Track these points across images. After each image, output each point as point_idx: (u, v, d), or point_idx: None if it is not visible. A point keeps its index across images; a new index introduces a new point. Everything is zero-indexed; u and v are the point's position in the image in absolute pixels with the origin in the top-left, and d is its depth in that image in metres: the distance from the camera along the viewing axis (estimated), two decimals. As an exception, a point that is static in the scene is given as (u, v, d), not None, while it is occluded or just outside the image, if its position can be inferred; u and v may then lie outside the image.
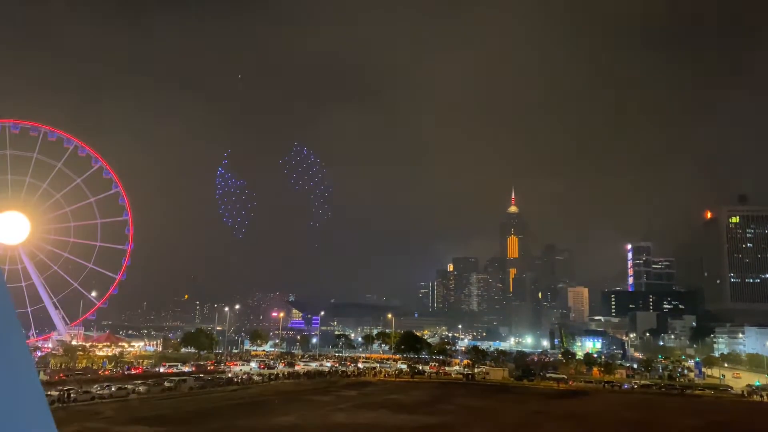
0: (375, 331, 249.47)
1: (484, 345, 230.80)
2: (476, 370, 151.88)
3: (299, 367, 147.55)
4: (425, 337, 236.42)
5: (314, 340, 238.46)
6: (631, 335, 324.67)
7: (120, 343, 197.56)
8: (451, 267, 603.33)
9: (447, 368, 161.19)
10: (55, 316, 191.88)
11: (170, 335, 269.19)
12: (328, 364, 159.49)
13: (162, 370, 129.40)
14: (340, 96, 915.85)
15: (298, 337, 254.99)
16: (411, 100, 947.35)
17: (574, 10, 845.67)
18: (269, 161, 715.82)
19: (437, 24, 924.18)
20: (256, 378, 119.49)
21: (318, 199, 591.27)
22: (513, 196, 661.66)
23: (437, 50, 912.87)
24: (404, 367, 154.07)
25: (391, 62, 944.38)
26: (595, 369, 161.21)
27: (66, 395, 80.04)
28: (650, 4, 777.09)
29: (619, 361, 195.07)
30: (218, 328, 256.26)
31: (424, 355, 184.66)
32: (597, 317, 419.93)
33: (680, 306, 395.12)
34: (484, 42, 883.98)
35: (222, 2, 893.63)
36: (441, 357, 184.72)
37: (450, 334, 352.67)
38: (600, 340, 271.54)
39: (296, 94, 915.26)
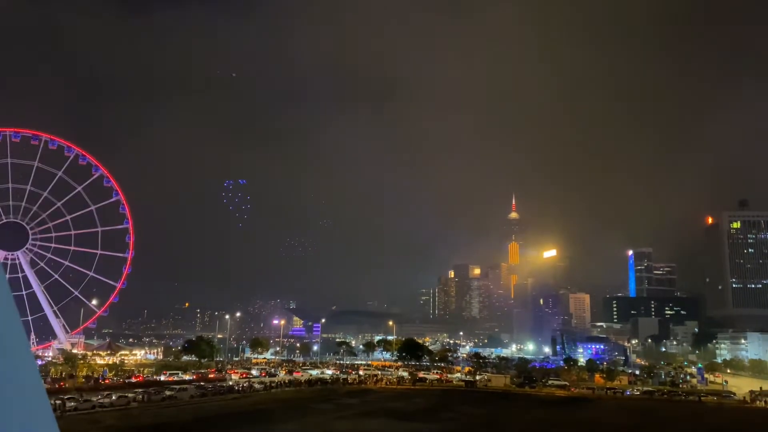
0: (376, 339, 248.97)
1: (485, 352, 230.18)
2: (478, 377, 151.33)
3: (298, 374, 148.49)
4: (426, 344, 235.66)
5: (315, 348, 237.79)
6: (633, 341, 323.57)
7: (121, 352, 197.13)
8: (452, 273, 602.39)
9: (448, 375, 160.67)
10: (56, 324, 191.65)
11: (171, 343, 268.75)
12: (330, 372, 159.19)
13: (163, 378, 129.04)
14: (340, 98, 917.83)
15: (298, 345, 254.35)
16: (412, 104, 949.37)
17: (577, 15, 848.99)
18: (269, 164, 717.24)
19: (440, 26, 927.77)
20: (257, 386, 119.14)
21: (321, 205, 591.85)
22: (513, 203, 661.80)
23: (440, 53, 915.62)
24: (405, 374, 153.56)
25: (392, 64, 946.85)
26: (597, 375, 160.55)
27: (66, 404, 79.79)
28: (652, 6, 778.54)
29: (621, 368, 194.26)
30: (219, 336, 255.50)
31: (425, 362, 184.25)
32: (599, 323, 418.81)
33: (682, 312, 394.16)
34: (486, 47, 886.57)
35: (220, 5, 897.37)
36: (442, 364, 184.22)
37: (451, 341, 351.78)
38: (602, 347, 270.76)
39: (297, 97, 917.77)
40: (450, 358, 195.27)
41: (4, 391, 3.87)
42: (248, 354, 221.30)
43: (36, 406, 4.16)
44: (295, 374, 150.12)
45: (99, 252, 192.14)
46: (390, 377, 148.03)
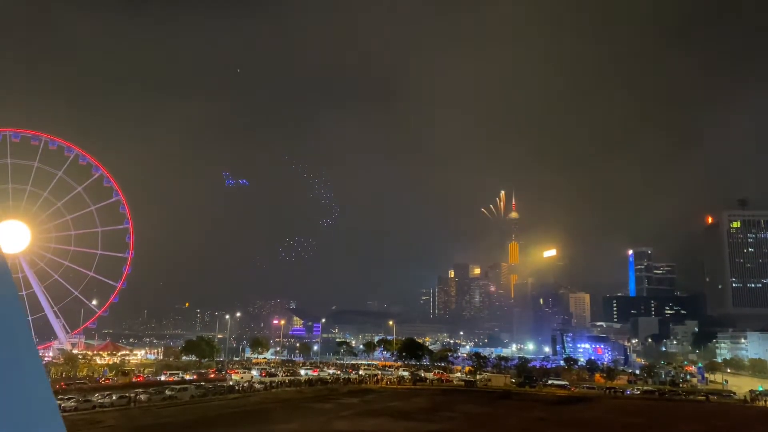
0: (376, 338, 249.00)
1: (485, 351, 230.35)
2: (478, 376, 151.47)
3: (315, 372, 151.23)
4: (427, 343, 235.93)
5: (315, 348, 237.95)
6: (633, 341, 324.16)
7: (121, 352, 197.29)
8: (452, 273, 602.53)
9: (449, 375, 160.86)
10: (56, 324, 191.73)
11: (171, 343, 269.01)
12: (330, 372, 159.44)
13: (163, 378, 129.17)
14: (339, 98, 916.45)
15: (298, 345, 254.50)
16: (412, 103, 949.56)
17: (579, 14, 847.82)
18: (269, 164, 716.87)
19: (440, 25, 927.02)
20: (257, 386, 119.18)
21: (321, 205, 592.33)
22: (514, 202, 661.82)
23: (441, 52, 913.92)
24: (406, 374, 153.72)
25: (392, 64, 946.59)
26: (597, 375, 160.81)
27: (66, 404, 79.81)
28: (655, 6, 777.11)
29: (621, 367, 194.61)
30: (219, 335, 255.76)
31: (425, 362, 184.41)
32: (599, 323, 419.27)
33: (682, 311, 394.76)
34: (486, 44, 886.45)
35: (222, 4, 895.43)
36: (442, 364, 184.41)
37: (451, 341, 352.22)
38: (602, 346, 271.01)
39: (297, 97, 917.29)
40: (450, 358, 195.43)
41: (11, 390, 3.90)
42: (248, 354, 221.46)
43: (42, 405, 4.21)
44: (313, 372, 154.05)
45: (99, 252, 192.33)
46: (390, 377, 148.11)
